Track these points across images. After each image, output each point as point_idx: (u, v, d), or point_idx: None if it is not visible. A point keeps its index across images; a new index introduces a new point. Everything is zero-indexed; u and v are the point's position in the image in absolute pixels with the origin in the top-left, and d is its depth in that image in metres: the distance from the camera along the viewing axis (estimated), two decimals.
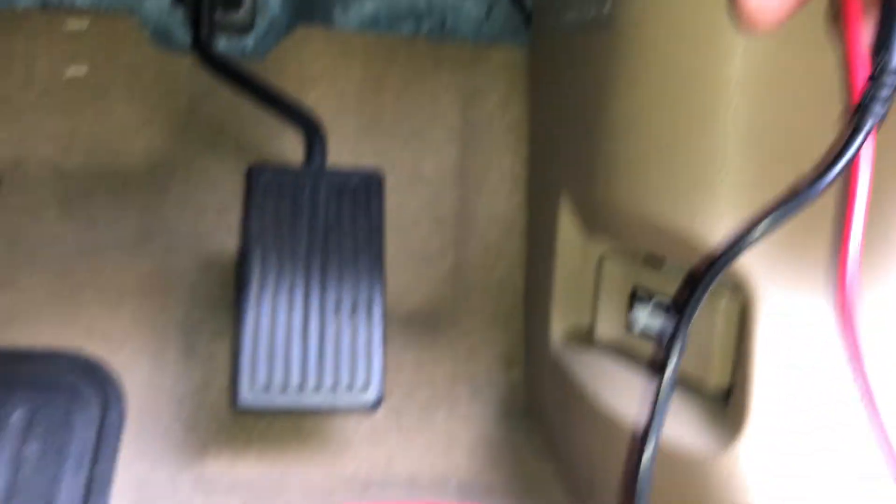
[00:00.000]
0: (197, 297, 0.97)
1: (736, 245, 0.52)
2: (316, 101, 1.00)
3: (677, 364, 0.60)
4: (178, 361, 0.94)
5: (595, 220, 0.79)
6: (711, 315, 0.67)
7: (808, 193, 0.49)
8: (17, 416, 0.89)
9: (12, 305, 0.95)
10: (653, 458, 0.57)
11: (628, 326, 0.76)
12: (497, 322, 0.99)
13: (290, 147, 1.03)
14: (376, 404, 0.82)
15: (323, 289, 0.84)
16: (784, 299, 0.62)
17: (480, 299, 0.99)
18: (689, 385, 0.69)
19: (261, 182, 0.87)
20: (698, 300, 0.52)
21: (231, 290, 0.97)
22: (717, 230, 0.62)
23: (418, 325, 0.99)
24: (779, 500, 0.58)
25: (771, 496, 0.58)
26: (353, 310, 0.84)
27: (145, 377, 0.93)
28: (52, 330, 0.95)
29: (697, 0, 0.61)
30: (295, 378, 0.81)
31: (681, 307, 0.62)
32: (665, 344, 0.71)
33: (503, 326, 0.98)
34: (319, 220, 0.86)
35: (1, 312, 0.94)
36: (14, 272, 0.96)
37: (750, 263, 0.62)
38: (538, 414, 0.94)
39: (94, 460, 0.88)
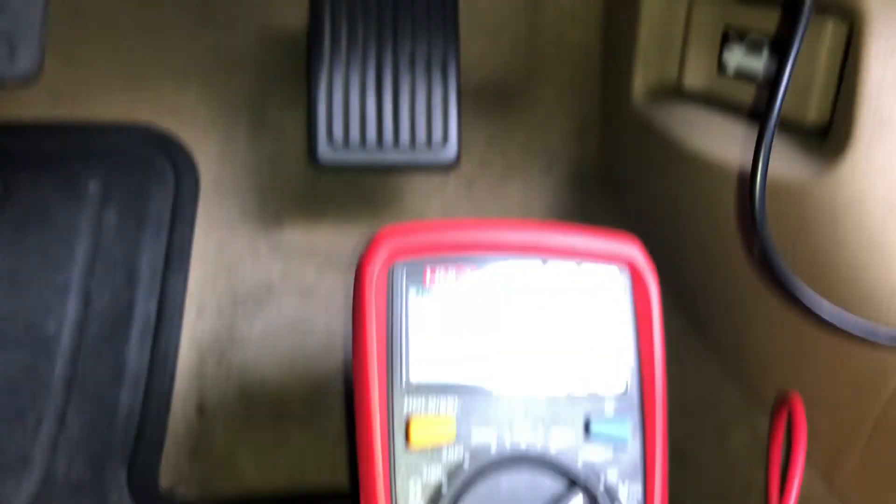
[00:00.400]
0: (263, 69, 0.95)
1: None
2: None
3: (783, 96, 0.57)
4: (249, 132, 0.93)
5: None
6: (813, 46, 0.63)
7: None
8: (93, 186, 0.90)
9: (78, 81, 0.94)
10: (763, 189, 0.55)
11: (720, 69, 0.73)
12: (572, 90, 0.95)
13: None
14: (455, 161, 0.80)
15: (396, 45, 0.81)
16: None
17: (554, 67, 0.96)
18: (782, 123, 0.66)
19: None
20: (808, 14, 0.48)
21: (298, 62, 0.95)
22: None
23: (490, 97, 0.96)
24: (880, 218, 0.56)
25: (872, 214, 0.57)
26: (428, 66, 0.81)
27: (217, 148, 0.93)
28: (120, 105, 0.94)
29: None
30: (371, 134, 0.79)
31: (783, 38, 0.58)
32: (771, 78, 0.68)
33: (578, 94, 0.95)
34: None
35: (67, 88, 0.93)
36: (77, 49, 0.94)
37: None
38: (613, 180, 0.93)
39: (172, 227, 0.89)
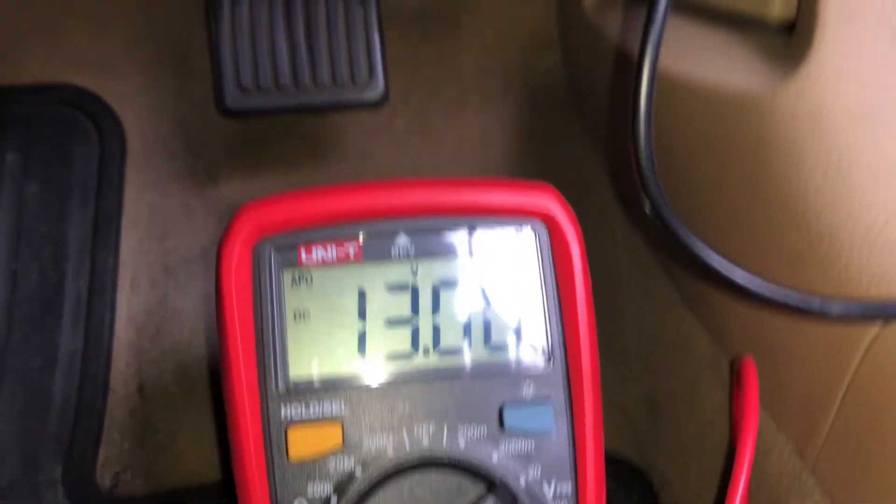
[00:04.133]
0: (186, 8, 0.86)
1: None
2: None
3: None
4: (175, 81, 0.84)
5: None
6: None
7: None
8: (11, 157, 0.82)
9: None
10: (650, 92, 0.45)
11: None
12: (525, 1, 0.84)
13: None
14: (383, 96, 0.71)
15: None
16: None
17: None
18: (743, 22, 0.55)
19: None
20: None
21: None
22: None
23: (435, 13, 0.85)
24: (847, 120, 0.46)
25: (837, 127, 0.46)
26: None
27: (141, 101, 0.84)
28: (37, 64, 0.85)
29: None
30: (285, 74, 0.70)
31: None
32: None
33: (532, 4, 0.84)
34: None
35: None
36: None
37: None
38: (577, 100, 0.83)
39: (99, 194, 0.82)
